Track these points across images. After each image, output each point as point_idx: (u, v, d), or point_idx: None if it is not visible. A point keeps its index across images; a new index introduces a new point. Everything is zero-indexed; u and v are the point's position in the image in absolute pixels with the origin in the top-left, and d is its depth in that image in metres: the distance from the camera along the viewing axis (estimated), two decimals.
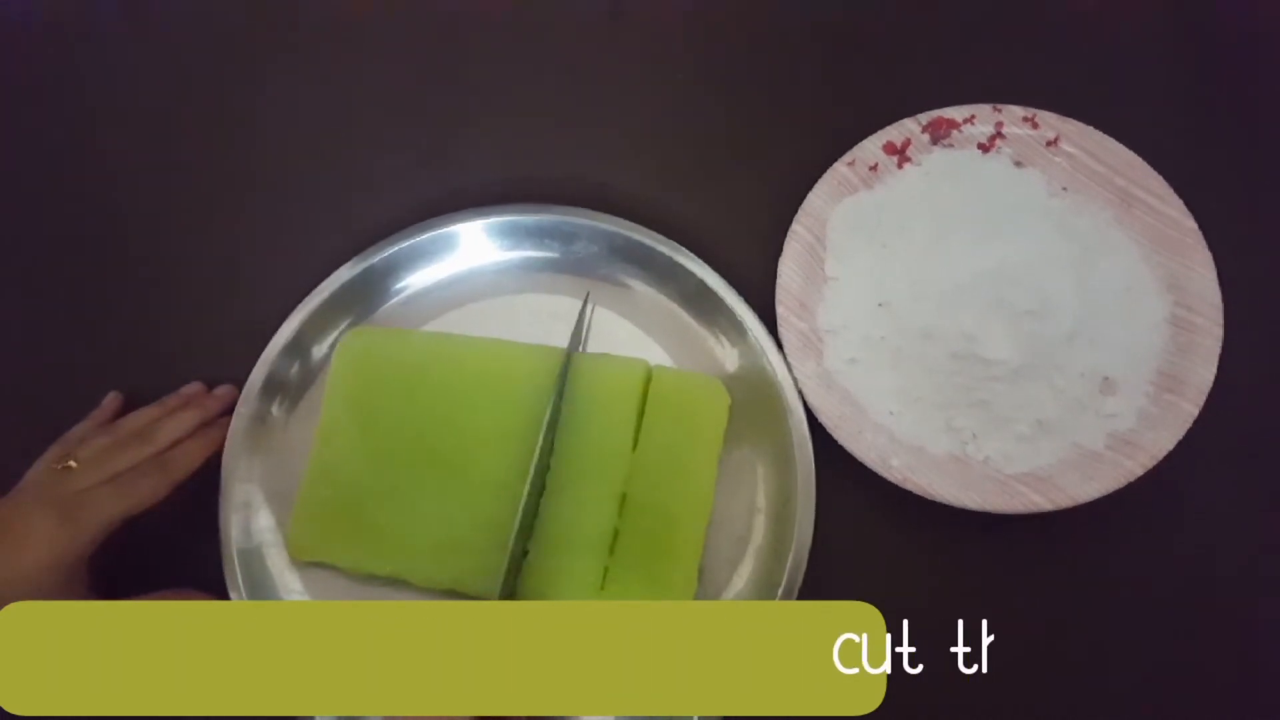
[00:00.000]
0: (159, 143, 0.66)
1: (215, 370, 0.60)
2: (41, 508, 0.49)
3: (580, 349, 0.59)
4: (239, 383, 0.58)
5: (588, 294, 0.59)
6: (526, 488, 0.53)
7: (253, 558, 0.55)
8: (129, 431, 0.55)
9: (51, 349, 0.62)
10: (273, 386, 0.58)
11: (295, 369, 0.59)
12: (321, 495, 0.55)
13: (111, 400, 0.59)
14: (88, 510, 0.50)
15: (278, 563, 0.56)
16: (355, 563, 0.55)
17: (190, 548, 0.56)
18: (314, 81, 0.67)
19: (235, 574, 0.54)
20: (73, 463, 0.53)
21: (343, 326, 0.60)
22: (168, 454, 0.54)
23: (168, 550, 0.56)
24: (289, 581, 0.56)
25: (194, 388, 0.59)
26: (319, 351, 0.59)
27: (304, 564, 0.56)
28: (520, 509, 0.52)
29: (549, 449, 0.55)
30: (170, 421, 0.56)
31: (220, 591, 0.54)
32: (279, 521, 0.56)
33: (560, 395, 0.55)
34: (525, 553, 0.54)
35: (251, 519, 0.56)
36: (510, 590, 0.53)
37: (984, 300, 0.57)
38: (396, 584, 0.55)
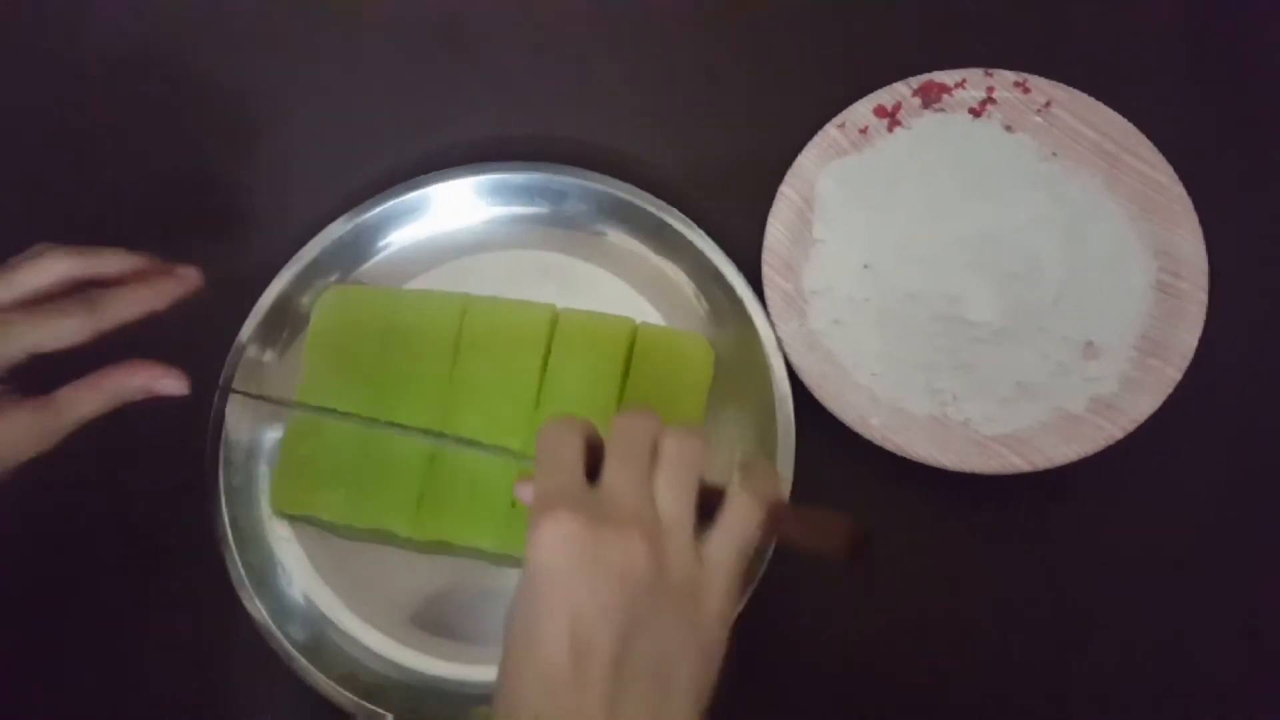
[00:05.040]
0: (160, 103, 0.67)
1: (208, 322, 0.61)
2: None
3: None
4: (230, 339, 0.58)
5: None
6: None
7: (241, 502, 0.56)
8: (52, 254, 0.47)
9: None
10: (264, 338, 0.59)
11: (286, 323, 0.60)
12: (302, 450, 0.56)
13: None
14: None
15: (266, 509, 0.57)
16: (337, 515, 0.55)
17: (180, 490, 0.57)
18: (307, 44, 0.67)
19: (224, 518, 0.55)
20: None
21: (334, 280, 0.60)
22: (98, 292, 0.46)
23: (156, 494, 0.57)
24: (275, 527, 0.57)
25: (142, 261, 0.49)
26: (309, 305, 0.60)
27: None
28: None
29: None
30: (104, 255, 0.48)
31: (210, 537, 0.55)
32: (270, 468, 0.57)
33: None
34: None
35: (241, 464, 0.57)
36: None
37: (969, 262, 0.58)
38: (381, 535, 0.56)
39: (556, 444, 0.40)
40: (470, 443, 0.54)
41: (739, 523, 0.39)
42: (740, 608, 0.51)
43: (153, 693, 0.55)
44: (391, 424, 0.55)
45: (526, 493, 0.40)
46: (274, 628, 0.53)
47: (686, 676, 0.36)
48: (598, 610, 0.35)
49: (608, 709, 0.35)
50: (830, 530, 0.41)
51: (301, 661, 0.53)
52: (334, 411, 0.56)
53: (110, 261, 0.48)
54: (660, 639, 0.36)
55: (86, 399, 0.46)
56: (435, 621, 0.55)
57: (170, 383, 0.48)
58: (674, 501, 0.38)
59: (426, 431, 0.55)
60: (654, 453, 0.39)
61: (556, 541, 0.36)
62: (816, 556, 0.40)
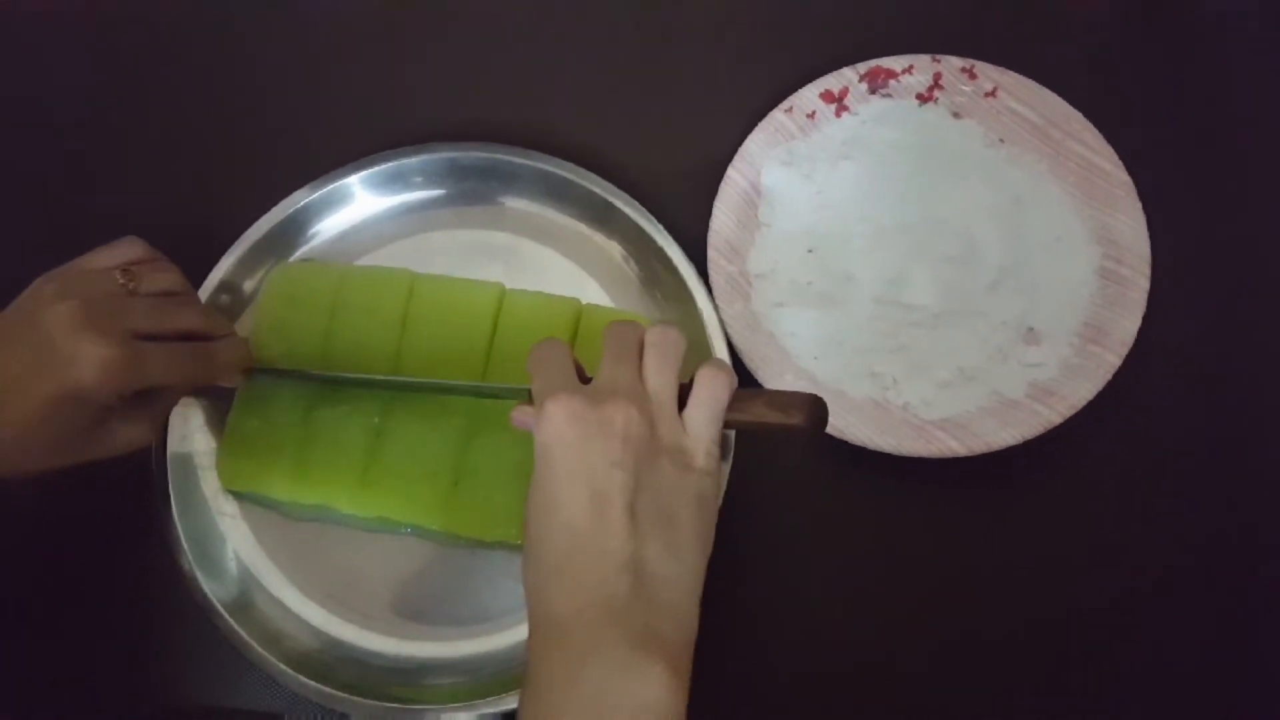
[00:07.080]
0: (104, 82, 0.67)
1: None
2: (96, 333, 0.44)
3: None
4: None
5: None
6: None
7: (188, 477, 0.57)
8: (187, 290, 0.52)
9: None
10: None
11: (233, 301, 0.60)
12: (249, 425, 0.57)
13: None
14: (137, 364, 0.45)
15: (212, 484, 0.57)
16: (282, 492, 0.56)
17: (125, 468, 0.56)
18: (246, 31, 0.68)
19: (169, 492, 0.56)
20: (135, 285, 0.48)
21: (277, 261, 0.61)
22: (207, 346, 0.51)
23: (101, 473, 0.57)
24: (221, 505, 0.57)
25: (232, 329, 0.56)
26: (253, 288, 0.60)
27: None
28: None
29: None
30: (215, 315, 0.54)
31: (149, 505, 0.55)
32: (217, 443, 0.58)
33: None
34: None
35: (189, 439, 0.57)
36: None
37: (912, 247, 0.58)
38: (325, 511, 0.56)
39: (549, 352, 0.45)
40: (434, 385, 0.54)
41: (709, 389, 0.44)
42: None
43: (98, 671, 0.56)
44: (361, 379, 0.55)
45: (522, 415, 0.45)
46: (219, 605, 0.54)
47: (689, 520, 0.42)
48: (609, 465, 0.40)
49: (632, 543, 0.40)
50: (791, 405, 0.44)
51: (246, 638, 0.53)
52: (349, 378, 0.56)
53: (220, 327, 0.53)
54: (662, 489, 0.41)
55: (178, 393, 0.53)
56: (381, 599, 0.56)
57: (232, 376, 0.54)
58: (661, 381, 0.43)
59: (393, 383, 0.55)
60: (640, 351, 0.45)
61: (563, 419, 0.41)
62: (782, 432, 0.44)
